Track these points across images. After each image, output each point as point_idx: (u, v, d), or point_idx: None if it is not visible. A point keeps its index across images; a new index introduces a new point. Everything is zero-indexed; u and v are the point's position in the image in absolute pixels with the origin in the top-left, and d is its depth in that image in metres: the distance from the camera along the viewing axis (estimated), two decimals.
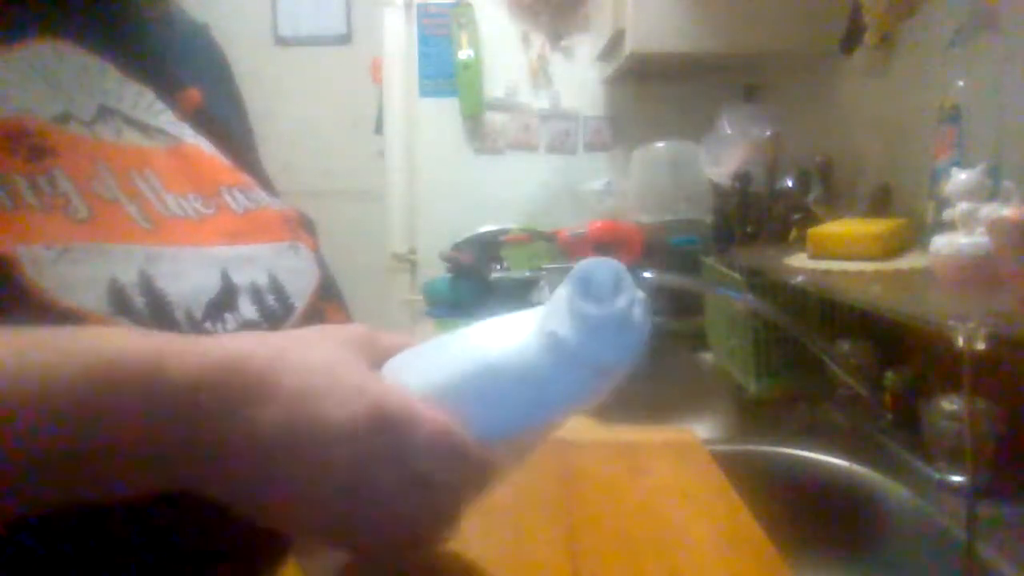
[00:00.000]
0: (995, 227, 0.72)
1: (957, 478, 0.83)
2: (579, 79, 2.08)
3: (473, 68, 2.03)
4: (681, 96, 1.97)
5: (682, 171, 1.71)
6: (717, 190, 1.57)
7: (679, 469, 0.69)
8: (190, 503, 0.36)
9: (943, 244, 0.80)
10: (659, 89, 2.00)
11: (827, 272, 0.98)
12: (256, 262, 0.52)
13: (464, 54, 2.02)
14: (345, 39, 2.95)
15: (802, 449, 0.97)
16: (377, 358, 0.40)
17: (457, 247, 1.87)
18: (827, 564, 0.91)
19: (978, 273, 0.76)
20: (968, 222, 0.77)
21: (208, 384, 0.34)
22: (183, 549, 0.42)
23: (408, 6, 2.09)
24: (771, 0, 1.49)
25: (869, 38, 1.23)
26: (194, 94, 0.57)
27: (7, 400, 0.31)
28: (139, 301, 0.42)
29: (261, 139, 0.70)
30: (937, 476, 0.85)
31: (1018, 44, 0.90)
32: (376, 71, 2.24)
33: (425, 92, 2.10)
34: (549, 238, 1.84)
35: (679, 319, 1.52)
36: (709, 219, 1.62)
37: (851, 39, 1.32)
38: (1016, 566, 0.68)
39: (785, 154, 1.48)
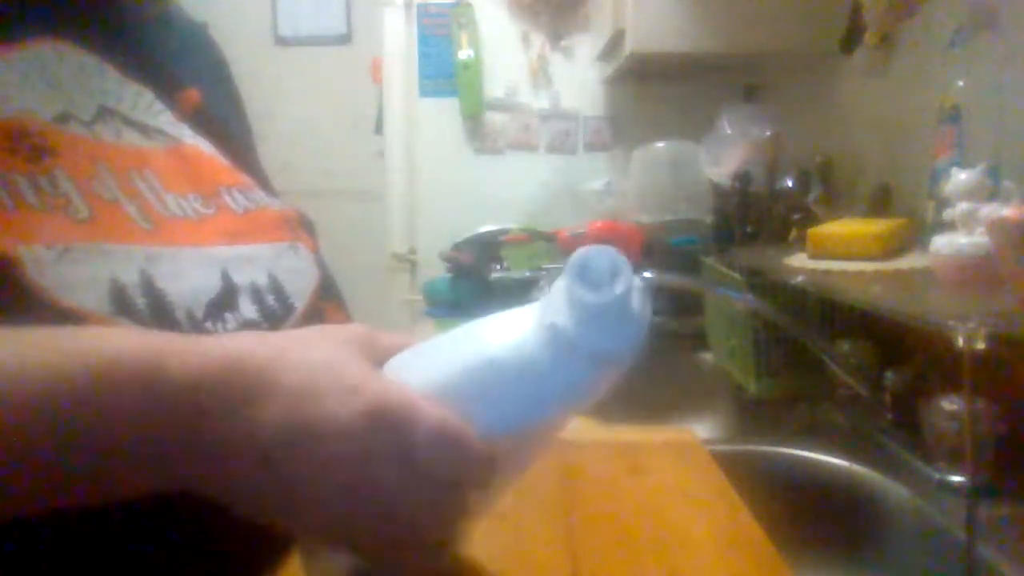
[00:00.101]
0: (995, 227, 0.72)
1: (957, 478, 0.83)
2: (579, 79, 2.08)
3: (473, 68, 2.03)
4: (681, 96, 1.97)
5: (682, 171, 1.71)
6: (717, 190, 1.57)
7: (679, 469, 0.69)
8: (190, 503, 0.36)
9: (943, 244, 0.80)
10: (659, 89, 2.00)
11: (827, 272, 0.98)
12: (256, 262, 0.52)
13: (464, 54, 2.02)
14: (345, 39, 2.95)
15: (802, 449, 0.97)
16: (377, 358, 0.40)
17: (457, 247, 1.87)
18: (827, 564, 0.91)
19: (978, 273, 0.76)
20: (968, 222, 0.77)
21: (208, 383, 0.34)
22: (183, 549, 0.42)
23: (408, 6, 2.09)
24: (771, 0, 1.49)
25: (869, 38, 1.23)
26: (193, 94, 0.57)
27: (7, 399, 0.31)
28: (140, 301, 0.42)
29: (261, 139, 0.70)
30: (937, 476, 0.85)
31: (1018, 44, 0.90)
32: (376, 71, 2.24)
33: (425, 92, 2.10)
34: (549, 238, 1.84)
35: (679, 319, 1.52)
36: (709, 219, 1.62)
37: (851, 39, 1.32)
38: (1016, 566, 0.68)
39: (785, 154, 1.48)
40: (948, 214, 0.80)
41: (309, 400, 0.35)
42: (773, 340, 1.16)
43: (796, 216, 1.37)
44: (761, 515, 0.59)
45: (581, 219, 1.88)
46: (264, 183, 0.63)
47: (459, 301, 1.81)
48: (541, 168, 2.10)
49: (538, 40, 2.07)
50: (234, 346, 0.36)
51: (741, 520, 0.59)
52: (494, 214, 1.99)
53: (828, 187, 1.36)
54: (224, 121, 0.61)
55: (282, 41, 2.97)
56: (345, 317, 0.61)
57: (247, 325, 0.48)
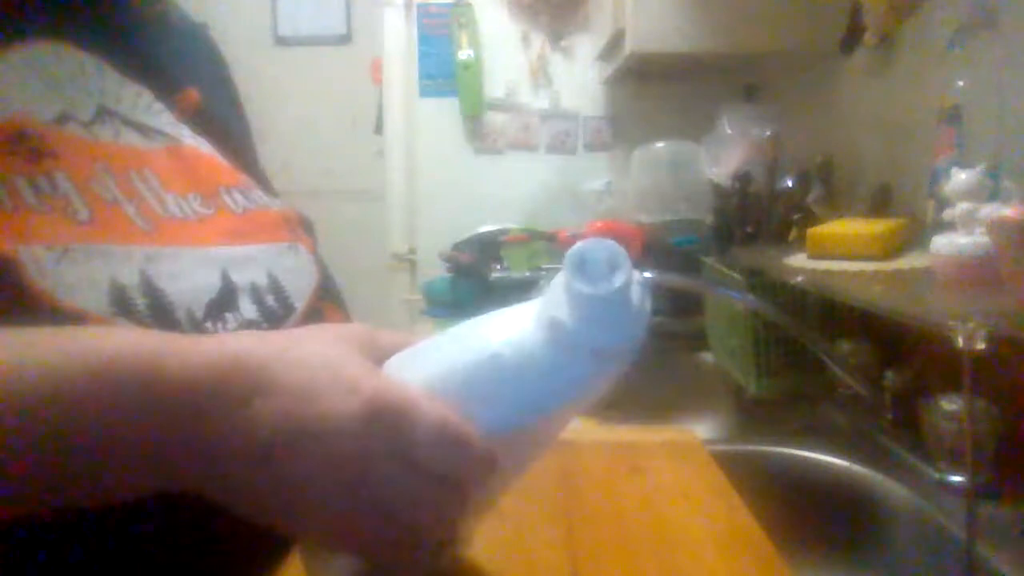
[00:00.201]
0: (995, 227, 0.72)
1: (957, 478, 0.83)
2: (579, 79, 2.08)
3: (473, 68, 2.03)
4: (681, 96, 1.97)
5: (682, 171, 1.71)
6: (717, 190, 1.57)
7: (679, 469, 0.69)
8: (190, 503, 0.36)
9: (943, 244, 0.80)
10: (659, 89, 2.00)
11: (827, 272, 0.98)
12: (256, 262, 0.52)
13: (464, 54, 2.02)
14: (345, 39, 2.95)
15: (802, 449, 0.97)
16: (377, 356, 0.40)
17: (457, 247, 1.87)
18: (827, 564, 0.91)
19: (978, 273, 0.76)
20: (968, 222, 0.77)
21: (207, 383, 0.34)
22: (183, 550, 0.42)
23: (408, 6, 2.09)
24: (771, 0, 1.49)
25: (869, 38, 1.23)
26: (193, 94, 0.57)
27: (6, 400, 0.31)
28: (140, 301, 0.42)
29: (261, 139, 0.70)
30: (937, 476, 0.85)
31: (1018, 44, 0.90)
32: (376, 71, 2.24)
33: (425, 92, 2.10)
34: (549, 238, 1.84)
35: (679, 319, 1.52)
36: (709, 219, 1.62)
37: (851, 39, 1.32)
38: (1016, 566, 0.68)
39: (785, 154, 1.48)
40: (948, 214, 0.80)
41: (309, 399, 0.35)
42: (773, 340, 1.16)
43: (796, 216, 1.37)
44: (761, 515, 0.59)
45: (581, 219, 1.89)
46: (264, 183, 0.63)
47: (459, 301, 1.81)
48: (541, 168, 2.10)
49: (538, 40, 2.07)
50: (233, 345, 0.36)
51: (741, 520, 0.59)
52: (494, 214, 1.99)
53: (828, 187, 1.36)
54: (224, 121, 0.61)
55: (282, 41, 2.97)
56: (345, 317, 0.61)
57: (247, 325, 0.48)
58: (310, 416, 0.35)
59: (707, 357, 1.45)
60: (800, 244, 1.15)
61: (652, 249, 1.65)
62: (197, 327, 0.45)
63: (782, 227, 1.39)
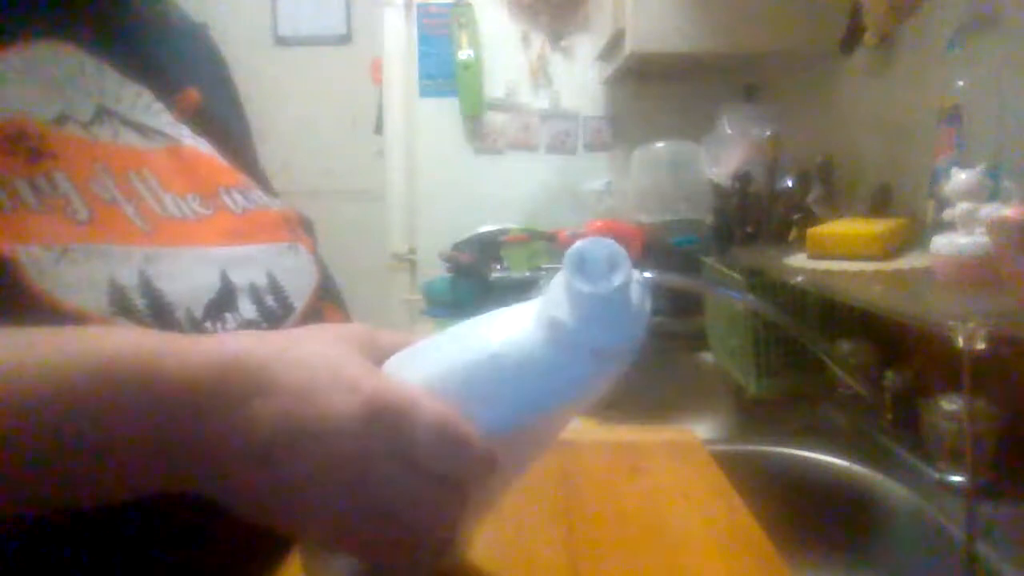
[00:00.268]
0: (995, 227, 0.72)
1: (957, 478, 0.83)
2: (579, 79, 2.08)
3: (473, 68, 2.03)
4: (681, 96, 1.97)
5: (682, 171, 1.71)
6: (717, 190, 1.57)
7: (679, 469, 0.69)
8: (190, 504, 0.36)
9: (943, 244, 0.80)
10: (659, 89, 2.00)
11: (827, 272, 0.98)
12: (255, 262, 0.52)
13: (464, 54, 2.02)
14: (345, 39, 2.95)
15: (802, 449, 0.97)
16: (377, 356, 0.40)
17: (457, 247, 1.87)
18: (827, 564, 0.90)
19: (978, 273, 0.76)
20: (968, 222, 0.77)
21: (207, 382, 0.34)
22: (183, 550, 0.42)
23: (408, 6, 2.09)
24: (771, 0, 1.49)
25: (869, 38, 1.23)
26: (193, 94, 0.57)
27: (6, 400, 0.31)
28: (139, 302, 0.42)
29: (261, 139, 0.70)
30: (937, 476, 0.85)
31: (1018, 44, 0.90)
32: (376, 71, 2.24)
33: (425, 92, 2.10)
34: (549, 238, 1.84)
35: (679, 319, 1.52)
36: (709, 219, 1.62)
37: (851, 39, 1.32)
38: (1016, 566, 0.68)
39: (785, 154, 1.48)
40: (948, 214, 0.80)
41: (308, 398, 0.35)
42: (773, 340, 1.16)
43: (796, 216, 1.37)
44: (761, 515, 0.59)
45: (581, 219, 1.89)
46: (264, 183, 0.63)
47: (459, 301, 1.81)
48: (541, 168, 2.10)
49: (538, 40, 2.07)
50: (233, 345, 0.36)
51: (741, 520, 0.59)
52: (494, 214, 1.99)
53: (828, 187, 1.36)
54: (224, 121, 0.61)
55: (282, 41, 2.97)
56: (344, 317, 0.61)
57: (246, 325, 0.48)
58: (310, 416, 0.35)
59: (707, 357, 1.45)
60: (800, 244, 1.15)
61: (652, 249, 1.66)
62: (196, 327, 0.45)
63: (782, 227, 1.39)
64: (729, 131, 1.56)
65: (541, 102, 2.09)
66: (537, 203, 2.07)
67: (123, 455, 0.33)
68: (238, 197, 0.55)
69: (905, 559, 0.84)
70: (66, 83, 0.47)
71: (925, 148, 1.05)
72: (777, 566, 0.53)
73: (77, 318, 0.39)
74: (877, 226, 1.03)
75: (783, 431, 1.05)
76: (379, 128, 2.24)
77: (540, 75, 2.07)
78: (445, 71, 2.07)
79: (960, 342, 0.61)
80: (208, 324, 0.46)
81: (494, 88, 2.07)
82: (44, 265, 0.39)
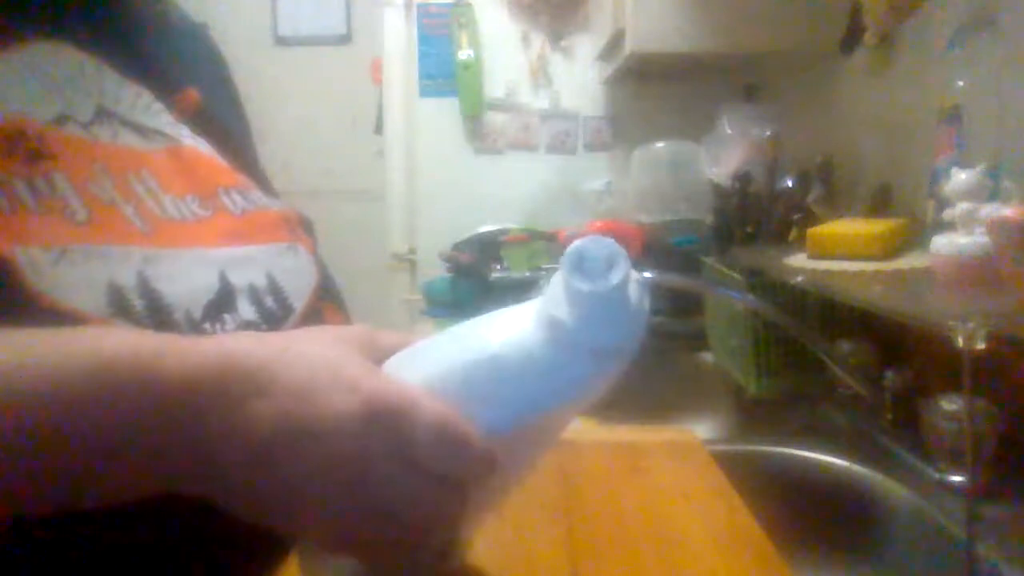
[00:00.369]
0: (995, 227, 0.72)
1: (957, 478, 0.83)
2: (579, 79, 2.08)
3: (473, 68, 2.03)
4: (681, 96, 1.97)
5: (682, 171, 1.71)
6: (717, 190, 1.57)
7: (679, 469, 0.69)
8: (190, 505, 0.36)
9: (943, 244, 0.80)
10: (659, 89, 2.00)
11: (827, 272, 0.98)
12: (254, 263, 0.52)
13: (464, 54, 2.02)
14: (345, 39, 2.95)
15: (802, 449, 0.97)
16: (377, 357, 0.40)
17: (457, 247, 1.88)
18: (827, 564, 0.90)
19: (978, 273, 0.76)
20: (968, 222, 0.77)
21: (206, 383, 0.34)
22: (183, 551, 0.42)
23: (408, 6, 2.09)
24: (771, 0, 1.49)
25: (869, 38, 1.23)
26: (192, 94, 0.57)
27: (5, 401, 0.31)
28: (137, 303, 0.42)
29: (261, 139, 0.70)
30: (937, 476, 0.85)
31: (1018, 44, 0.90)
32: (376, 71, 2.24)
33: (425, 92, 2.10)
34: (549, 238, 1.84)
35: (679, 319, 1.52)
36: (709, 219, 1.62)
37: (851, 39, 1.32)
38: (1016, 566, 0.68)
39: (785, 154, 1.48)
40: (948, 214, 0.80)
41: (308, 398, 0.35)
42: (773, 340, 1.16)
43: (796, 216, 1.37)
44: (761, 515, 0.59)
45: (581, 219, 1.89)
46: (264, 183, 0.63)
47: (459, 301, 1.81)
48: (541, 168, 2.10)
49: (538, 40, 2.07)
50: (232, 346, 0.36)
51: (741, 520, 0.59)
52: (494, 214, 1.99)
53: (828, 187, 1.36)
54: (224, 121, 0.61)
55: (282, 41, 2.97)
56: (344, 317, 0.61)
57: (245, 326, 0.48)
58: (309, 416, 0.34)
59: (707, 357, 1.45)
60: (800, 244, 1.15)
61: (652, 249, 1.66)
62: (195, 328, 0.45)
63: (782, 227, 1.39)
64: (729, 131, 1.56)
65: (541, 102, 2.09)
66: (537, 203, 2.07)
67: (122, 456, 0.33)
68: (237, 198, 0.55)
69: (905, 559, 0.84)
70: (66, 83, 0.47)
71: (925, 148, 1.05)
72: (777, 566, 0.53)
73: (75, 319, 0.39)
74: (877, 226, 1.03)
75: (783, 431, 1.05)
76: (379, 128, 2.24)
77: (540, 75, 2.07)
78: (445, 71, 2.07)
79: (960, 342, 0.61)
80: (207, 325, 0.46)
81: (494, 88, 2.07)
82: (42, 266, 0.39)
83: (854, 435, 1.01)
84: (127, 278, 0.42)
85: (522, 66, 2.07)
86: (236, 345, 0.36)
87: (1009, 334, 0.67)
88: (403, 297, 2.15)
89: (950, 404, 0.83)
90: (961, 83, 0.97)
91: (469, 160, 2.10)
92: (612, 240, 0.37)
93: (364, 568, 0.40)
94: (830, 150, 1.40)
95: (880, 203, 1.20)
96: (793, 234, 1.35)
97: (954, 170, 0.81)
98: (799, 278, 0.99)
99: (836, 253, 1.01)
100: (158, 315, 0.43)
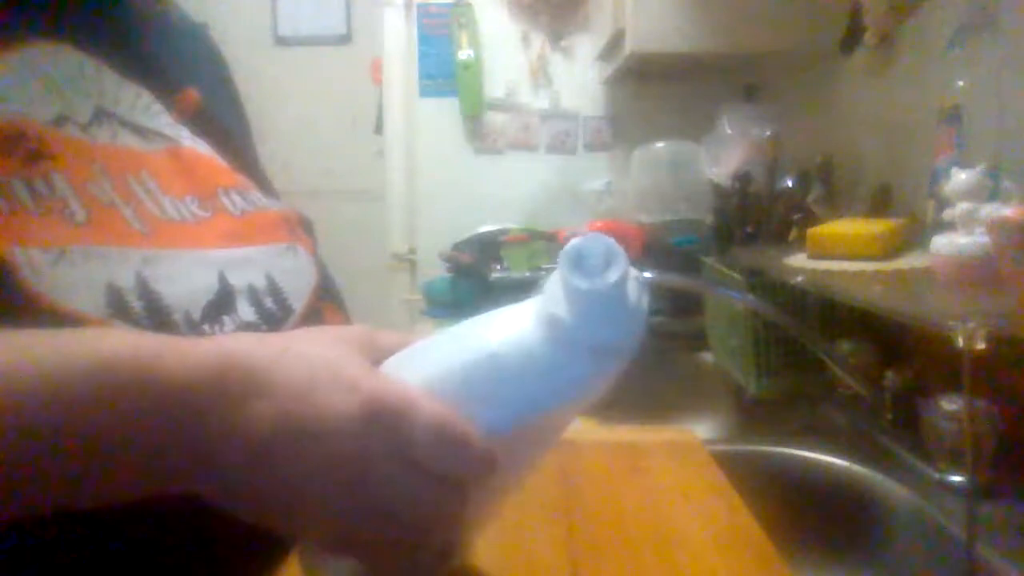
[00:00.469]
0: (995, 227, 0.72)
1: (957, 478, 0.83)
2: (579, 79, 2.08)
3: (473, 68, 2.03)
4: (681, 96, 1.97)
5: (682, 171, 1.71)
6: (717, 190, 1.57)
7: (679, 469, 0.69)
8: (190, 505, 0.36)
9: (943, 244, 0.80)
10: (659, 89, 2.00)
11: (827, 272, 0.98)
12: (254, 264, 0.52)
13: (464, 54, 2.02)
14: (345, 39, 2.95)
15: (802, 449, 0.97)
16: (376, 357, 0.40)
17: (457, 247, 1.88)
18: (827, 564, 0.90)
19: (978, 273, 0.76)
20: (968, 222, 0.77)
21: (206, 382, 0.34)
22: (184, 551, 0.42)
23: (408, 6, 2.09)
24: (771, 0, 1.49)
25: (869, 38, 1.23)
26: (192, 94, 0.57)
27: (4, 401, 0.31)
28: (136, 304, 0.42)
29: (261, 139, 0.70)
30: (937, 476, 0.85)
31: (1018, 44, 0.90)
32: (376, 71, 2.24)
33: (425, 92, 2.10)
34: (549, 238, 1.84)
35: (679, 319, 1.52)
36: (709, 219, 1.62)
37: (851, 39, 1.32)
38: (1016, 566, 0.68)
39: (785, 154, 1.48)
40: (948, 214, 0.80)
41: (307, 398, 0.35)
42: (773, 340, 1.16)
43: (796, 216, 1.37)
44: (761, 515, 0.59)
45: (581, 219, 1.89)
46: (264, 184, 0.63)
47: (459, 301, 1.81)
48: (541, 168, 2.10)
49: (538, 40, 2.07)
50: (232, 346, 0.36)
51: (741, 520, 0.59)
52: (494, 214, 1.99)
53: (828, 187, 1.36)
54: (224, 121, 0.61)
55: (282, 41, 2.97)
56: (344, 318, 0.61)
57: (245, 327, 0.48)
58: (309, 416, 0.34)
59: (707, 357, 1.45)
60: (800, 244, 1.15)
61: (652, 249, 1.66)
62: (194, 330, 0.45)
63: (782, 227, 1.39)
64: (729, 131, 1.56)
65: (541, 102, 2.09)
66: (537, 203, 2.07)
67: (122, 456, 0.33)
68: (237, 199, 0.55)
69: (905, 559, 0.84)
70: (65, 84, 0.47)
71: (925, 148, 1.05)
72: (777, 566, 0.53)
73: (74, 320, 0.39)
74: (877, 226, 1.03)
75: (783, 431, 1.05)
76: (379, 128, 2.24)
77: (540, 75, 2.07)
78: (445, 71, 2.07)
79: (960, 342, 0.61)
80: (206, 326, 0.46)
81: (494, 88, 2.07)
82: (41, 267, 0.39)
83: (854, 435, 1.01)
84: (126, 279, 0.42)
85: (522, 66, 2.07)
86: (236, 345, 0.36)
87: (1009, 334, 0.67)
88: (403, 297, 2.15)
89: (950, 404, 0.83)
90: (961, 83, 0.97)
91: (469, 160, 2.10)
92: (609, 238, 0.37)
93: (364, 568, 0.40)
94: (830, 150, 1.40)
95: (880, 203, 1.20)
96: (793, 234, 1.35)
97: (954, 170, 0.81)
98: (799, 278, 0.99)
99: (836, 253, 1.01)
100: (157, 316, 0.43)
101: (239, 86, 0.69)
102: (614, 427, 0.82)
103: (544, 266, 1.78)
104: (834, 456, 0.94)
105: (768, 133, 1.47)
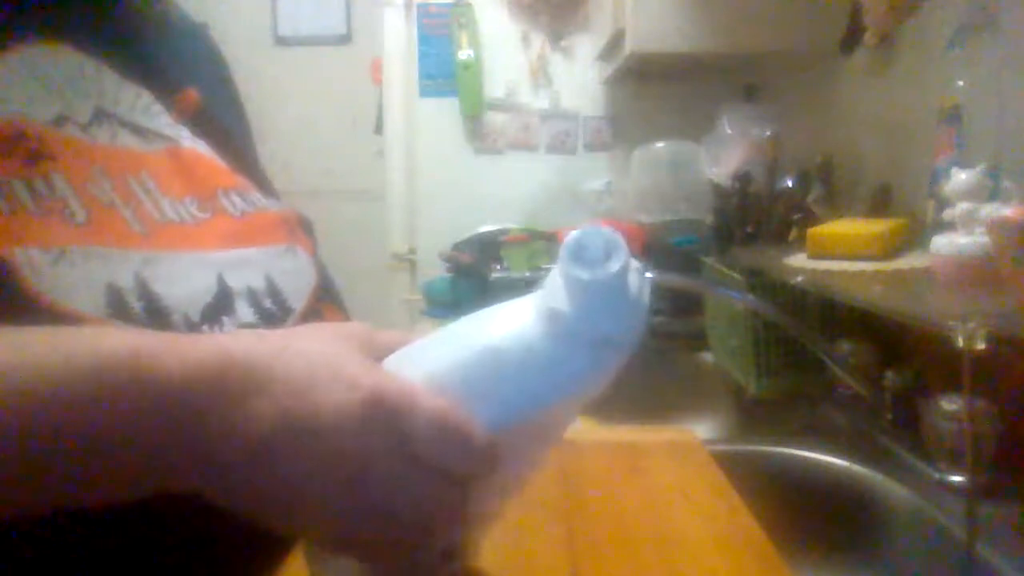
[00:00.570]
0: (995, 227, 0.72)
1: (957, 478, 0.83)
2: (579, 79, 2.08)
3: (473, 68, 2.03)
4: (681, 96, 1.97)
5: (682, 171, 1.71)
6: (717, 190, 1.57)
7: (679, 469, 0.69)
8: (191, 504, 0.36)
9: (943, 244, 0.80)
10: (659, 89, 2.00)
11: (827, 272, 0.98)
12: (253, 265, 0.52)
13: (464, 54, 2.02)
14: (345, 39, 2.95)
15: (802, 449, 0.97)
16: (376, 355, 0.40)
17: (457, 247, 1.88)
18: (827, 564, 0.90)
19: (978, 273, 0.76)
20: (968, 222, 0.77)
21: (205, 380, 0.34)
22: (184, 551, 0.42)
23: (408, 6, 2.09)
24: (771, 0, 1.49)
25: (869, 38, 1.23)
26: (192, 95, 0.57)
27: (3, 400, 0.31)
28: (136, 305, 0.42)
29: (261, 139, 0.70)
30: (937, 476, 0.85)
31: (1018, 44, 0.90)
32: (376, 71, 2.24)
33: (425, 92, 2.10)
34: (549, 238, 1.84)
35: (679, 319, 1.52)
36: (709, 219, 1.62)
37: (851, 39, 1.32)
38: (1016, 566, 0.68)
39: (785, 154, 1.48)
40: (948, 214, 0.80)
41: (307, 395, 0.35)
42: (773, 340, 1.16)
43: (796, 216, 1.37)
44: (761, 515, 0.59)
45: (581, 219, 1.89)
46: (264, 184, 0.63)
47: (459, 301, 1.81)
48: (541, 168, 2.10)
49: (538, 40, 2.07)
50: (231, 344, 0.36)
51: (741, 520, 0.59)
52: (494, 214, 1.99)
53: (828, 187, 1.36)
54: (224, 121, 0.61)
55: (282, 41, 2.97)
56: (344, 318, 0.61)
57: (244, 328, 0.48)
58: (309, 414, 0.34)
59: (707, 357, 1.45)
60: (800, 244, 1.15)
61: (652, 249, 1.65)
62: (193, 331, 0.45)
63: (782, 227, 1.39)
64: (729, 131, 1.56)
65: (541, 102, 2.09)
66: (537, 203, 2.07)
67: (121, 455, 0.33)
68: (236, 199, 0.55)
69: (905, 559, 0.84)
70: (65, 84, 0.47)
71: (925, 148, 1.05)
72: (777, 566, 0.53)
73: (74, 320, 0.39)
74: (877, 226, 1.04)
75: (783, 431, 1.05)
76: (379, 128, 2.24)
77: (540, 75, 2.07)
78: (445, 71, 2.07)
79: (960, 342, 0.61)
80: (205, 328, 0.46)
81: (494, 88, 2.07)
82: (41, 267, 0.39)
83: (854, 435, 1.01)
84: (126, 280, 0.42)
85: (522, 66, 2.07)
86: (235, 343, 0.36)
87: (1009, 334, 0.67)
88: (403, 297, 2.15)
89: (950, 404, 0.83)
90: (961, 83, 0.97)
91: (469, 160, 2.10)
92: (610, 229, 0.37)
93: (365, 569, 0.40)
94: (830, 150, 1.40)
95: (880, 203, 1.20)
96: (793, 234, 1.35)
97: (954, 170, 0.81)
98: (799, 278, 0.99)
99: (836, 253, 1.01)
100: (156, 317, 0.43)
101: (239, 86, 0.69)
102: (614, 427, 0.82)
103: (544, 266, 1.78)
104: (834, 456, 0.94)
105: (768, 133, 1.47)
